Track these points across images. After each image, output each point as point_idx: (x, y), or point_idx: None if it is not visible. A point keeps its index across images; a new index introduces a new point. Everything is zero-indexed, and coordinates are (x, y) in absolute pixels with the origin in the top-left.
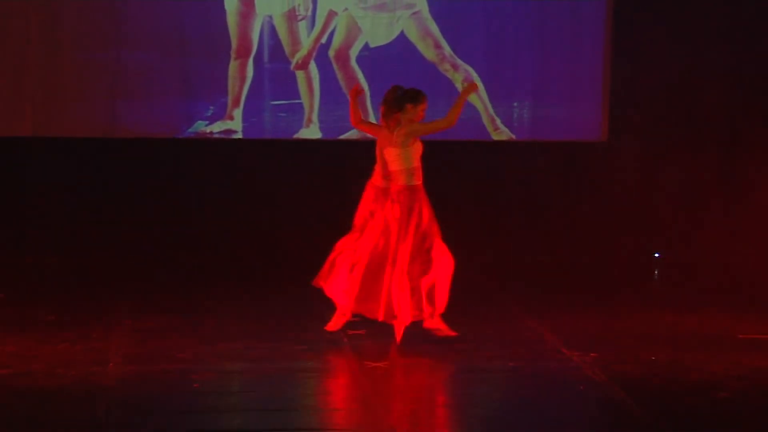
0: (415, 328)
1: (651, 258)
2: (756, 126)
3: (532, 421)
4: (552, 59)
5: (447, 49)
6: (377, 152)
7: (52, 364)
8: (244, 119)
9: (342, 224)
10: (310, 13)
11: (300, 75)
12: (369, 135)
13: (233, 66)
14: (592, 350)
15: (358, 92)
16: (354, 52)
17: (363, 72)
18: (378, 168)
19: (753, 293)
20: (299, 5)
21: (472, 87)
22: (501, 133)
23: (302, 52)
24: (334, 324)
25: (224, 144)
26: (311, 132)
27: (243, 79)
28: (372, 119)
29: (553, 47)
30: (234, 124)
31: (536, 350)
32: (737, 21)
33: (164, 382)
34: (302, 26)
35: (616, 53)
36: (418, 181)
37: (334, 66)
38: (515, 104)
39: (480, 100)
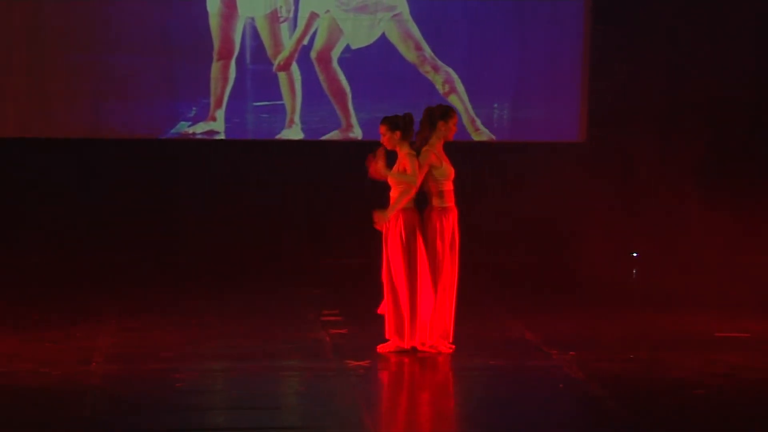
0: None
1: (629, 257)
2: (735, 126)
3: (512, 418)
4: (531, 61)
5: (428, 51)
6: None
7: (36, 363)
8: (227, 120)
9: (325, 224)
10: (291, 14)
11: (282, 76)
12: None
13: (216, 67)
14: (571, 349)
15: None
16: (336, 54)
17: (344, 73)
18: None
19: (729, 292)
20: (281, 7)
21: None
22: (481, 133)
23: (284, 53)
24: None
25: (207, 144)
26: (293, 133)
27: (225, 80)
28: (353, 120)
29: (533, 49)
30: (216, 125)
31: (516, 349)
32: (715, 21)
33: (148, 381)
34: (284, 28)
35: (594, 55)
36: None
37: (316, 67)
38: (495, 105)
39: (460, 101)
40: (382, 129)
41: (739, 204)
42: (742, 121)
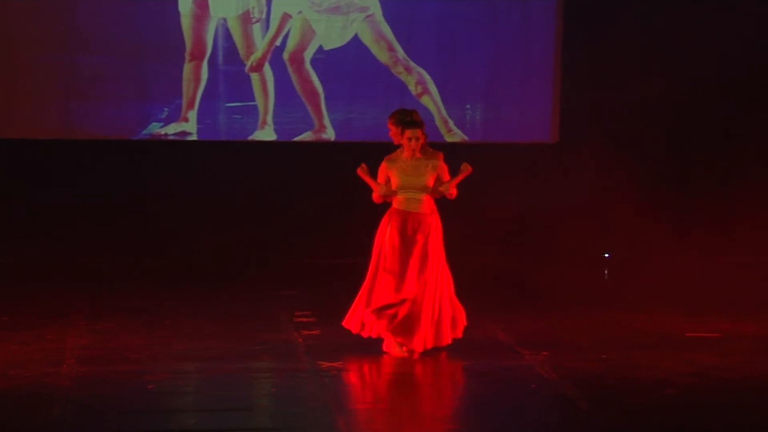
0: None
1: (601, 258)
2: (707, 127)
3: (484, 419)
4: (503, 62)
5: (400, 52)
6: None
7: (6, 365)
8: (199, 121)
9: (298, 225)
10: (264, 15)
11: (254, 77)
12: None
13: (188, 68)
14: (543, 349)
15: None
16: (308, 55)
17: (317, 74)
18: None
19: (701, 292)
20: (253, 8)
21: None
22: (454, 134)
23: (257, 54)
24: None
25: (179, 145)
26: (266, 134)
27: (197, 81)
28: (326, 121)
29: (505, 50)
30: (188, 126)
31: (489, 349)
32: (686, 23)
33: (118, 382)
34: (256, 29)
35: (565, 56)
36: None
37: (289, 69)
38: (468, 106)
39: (433, 102)
40: (419, 133)
41: (710, 205)
42: (715, 122)
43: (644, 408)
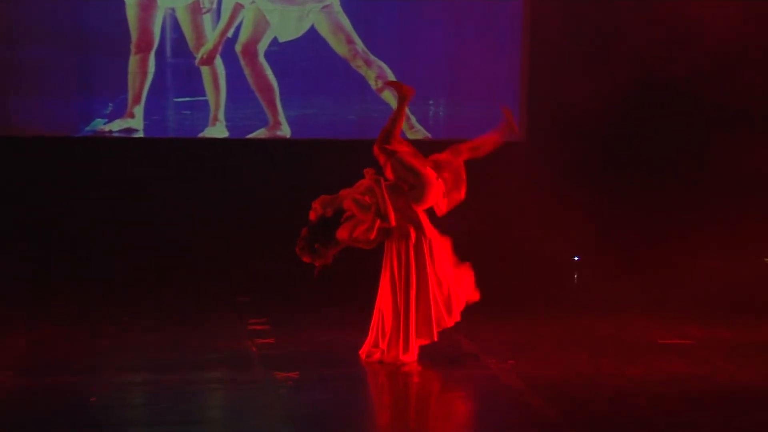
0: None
1: (570, 261)
2: (675, 127)
3: (449, 427)
4: (468, 56)
5: (359, 45)
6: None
7: None
8: (146, 117)
9: (252, 226)
10: (215, 5)
11: (205, 71)
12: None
13: (133, 61)
14: (510, 357)
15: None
16: (262, 47)
17: (272, 68)
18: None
19: (670, 297)
20: None
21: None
22: (416, 131)
23: (207, 46)
24: None
25: (124, 143)
26: (217, 131)
27: (144, 74)
28: (281, 117)
29: (469, 44)
30: (135, 122)
31: (454, 357)
32: (651, 24)
33: (59, 395)
34: (207, 19)
35: (533, 52)
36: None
37: (241, 62)
38: (431, 102)
39: (394, 97)
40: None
41: (679, 206)
42: (685, 122)
43: (613, 417)
